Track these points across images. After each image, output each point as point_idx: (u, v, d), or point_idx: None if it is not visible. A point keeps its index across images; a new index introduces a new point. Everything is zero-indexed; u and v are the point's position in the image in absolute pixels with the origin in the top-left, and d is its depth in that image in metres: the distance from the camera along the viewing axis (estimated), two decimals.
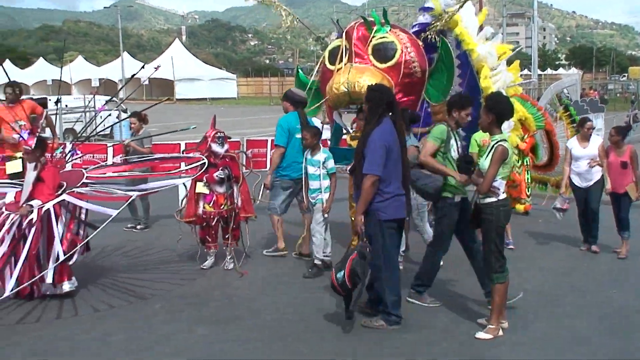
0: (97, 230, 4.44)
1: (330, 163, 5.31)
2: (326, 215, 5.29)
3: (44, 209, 4.55)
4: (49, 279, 4.54)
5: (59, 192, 4.71)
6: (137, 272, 5.48)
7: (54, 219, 4.49)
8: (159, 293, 4.94)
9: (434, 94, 5.58)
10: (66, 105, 13.86)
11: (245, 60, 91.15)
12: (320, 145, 5.35)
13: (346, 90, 5.39)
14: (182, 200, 5.80)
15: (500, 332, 4.02)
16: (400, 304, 4.19)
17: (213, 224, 5.40)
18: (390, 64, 5.42)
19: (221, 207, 5.39)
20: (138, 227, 7.06)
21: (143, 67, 5.72)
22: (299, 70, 6.66)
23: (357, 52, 5.48)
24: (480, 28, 6.03)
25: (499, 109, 4.01)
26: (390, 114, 4.09)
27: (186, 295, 4.89)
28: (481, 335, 4.00)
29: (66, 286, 4.80)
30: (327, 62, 5.83)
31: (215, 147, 5.37)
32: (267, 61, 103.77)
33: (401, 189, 4.11)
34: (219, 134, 5.42)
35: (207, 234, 5.47)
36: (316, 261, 5.31)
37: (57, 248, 4.42)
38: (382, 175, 3.99)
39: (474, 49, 5.55)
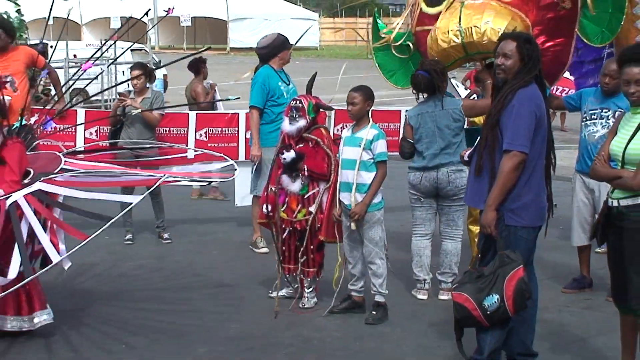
0: (105, 225, 4.23)
1: (381, 146, 5.41)
2: (352, 226, 5.43)
3: (8, 201, 4.41)
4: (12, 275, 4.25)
5: (27, 181, 4.64)
6: (165, 299, 5.98)
7: (29, 215, 4.36)
8: (202, 330, 5.33)
9: (593, 31, 5.60)
10: (74, 56, 14.15)
11: None
12: (370, 118, 5.53)
13: (459, 42, 5.64)
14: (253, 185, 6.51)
15: None
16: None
17: (284, 236, 5.71)
18: None
19: (294, 215, 5.71)
20: (165, 236, 7.60)
21: None
22: (377, 17, 7.04)
23: None
24: None
25: None
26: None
27: (243, 336, 5.26)
28: None
29: (39, 318, 4.94)
30: (423, 4, 6.12)
31: (284, 124, 5.66)
32: None
33: (543, 184, 4.34)
34: (295, 102, 5.66)
35: (286, 248, 5.75)
36: (353, 294, 5.72)
37: (47, 247, 4.37)
38: (530, 154, 4.18)
39: None
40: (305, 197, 5.66)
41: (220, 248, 7.50)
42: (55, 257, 4.32)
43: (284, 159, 5.60)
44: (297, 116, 5.61)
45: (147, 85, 7.52)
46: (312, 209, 5.62)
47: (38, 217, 4.54)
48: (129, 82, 7.56)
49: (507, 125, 4.23)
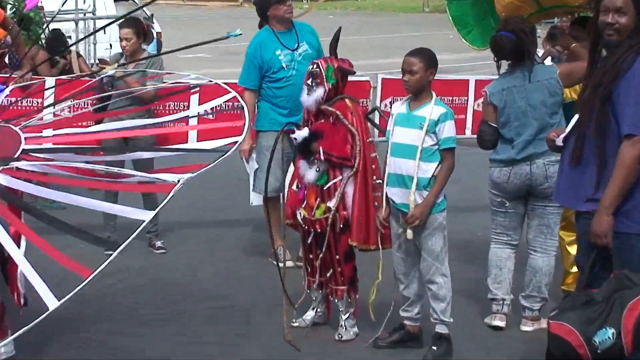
0: (113, 254, 3.85)
1: (449, 128, 5.41)
2: (409, 234, 5.43)
3: None
4: None
5: None
6: (157, 324, 6.07)
7: None
8: None
9: None
10: (41, 8, 14.85)
11: None
12: (433, 92, 5.52)
13: None
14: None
15: None
16: None
17: (309, 240, 5.79)
18: None
19: (313, 214, 5.74)
20: (158, 244, 7.70)
21: None
22: None
23: None
24: None
25: None
26: None
27: None
28: None
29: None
30: None
31: (302, 95, 5.78)
32: None
33: None
34: (312, 66, 5.79)
35: (313, 257, 5.82)
36: (406, 322, 5.70)
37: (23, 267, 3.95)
38: None
39: None
40: (325, 188, 5.68)
41: (229, 258, 7.57)
42: (49, 301, 3.66)
43: (295, 139, 5.67)
44: (314, 84, 5.67)
45: (143, 46, 7.62)
46: (332, 204, 5.63)
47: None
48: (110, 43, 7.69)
49: (625, 101, 4.19)
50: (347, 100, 5.74)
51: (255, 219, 8.26)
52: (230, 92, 5.22)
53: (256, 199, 7.83)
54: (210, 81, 5.64)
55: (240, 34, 5.24)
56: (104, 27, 9.10)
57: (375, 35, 23.81)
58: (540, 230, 5.89)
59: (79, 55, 10.07)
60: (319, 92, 5.66)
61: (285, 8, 7.01)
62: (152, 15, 17.52)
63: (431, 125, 5.38)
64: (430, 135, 5.39)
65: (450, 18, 7.07)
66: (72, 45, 10.62)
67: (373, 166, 5.66)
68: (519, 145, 5.77)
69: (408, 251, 5.58)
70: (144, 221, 4.05)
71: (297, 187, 5.83)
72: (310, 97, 5.67)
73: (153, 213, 4.13)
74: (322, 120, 5.68)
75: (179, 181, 4.26)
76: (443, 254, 5.50)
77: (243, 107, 5.05)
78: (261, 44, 7.02)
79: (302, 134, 5.63)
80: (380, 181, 5.60)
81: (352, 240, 5.63)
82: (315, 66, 5.73)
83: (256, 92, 7.06)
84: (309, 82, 5.69)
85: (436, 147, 5.41)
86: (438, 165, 5.41)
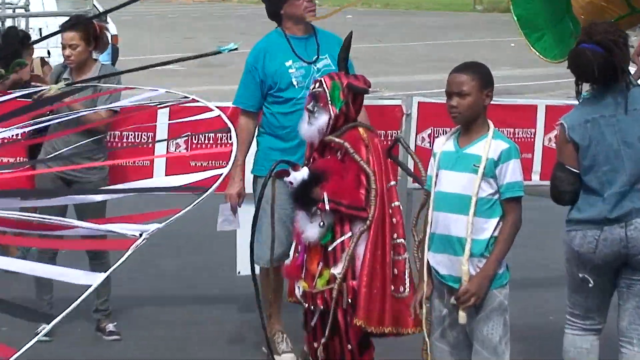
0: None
1: (514, 170, 5.43)
2: (461, 318, 5.43)
3: None
4: None
5: None
6: None
7: None
8: None
9: None
10: None
11: None
12: (489, 122, 5.52)
13: None
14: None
15: None
16: None
17: (312, 323, 5.90)
18: None
19: (314, 285, 5.83)
20: (109, 328, 7.65)
21: None
22: None
23: None
24: None
25: None
26: None
27: None
28: None
29: None
30: None
31: (300, 124, 5.94)
32: None
33: None
34: (314, 86, 5.92)
35: (311, 348, 5.97)
36: None
37: None
38: None
39: None
40: (329, 249, 5.73)
41: (208, 349, 7.53)
42: None
43: (290, 183, 5.71)
44: (316, 109, 5.75)
45: (95, 55, 7.70)
46: (338, 270, 5.67)
47: None
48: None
49: None
50: (360, 130, 5.81)
51: (244, 295, 8.21)
52: (213, 109, 5.25)
53: (244, 268, 7.82)
54: (186, 97, 5.62)
55: (236, 49, 5.30)
56: (53, 34, 9.10)
57: (409, 43, 23.89)
58: (638, 316, 5.87)
59: (44, 62, 10.01)
60: (323, 120, 5.74)
61: (305, 4, 6.88)
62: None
63: (489, 167, 5.39)
64: (488, 180, 5.40)
65: (515, 19, 7.09)
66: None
67: (394, 220, 5.73)
68: (610, 200, 5.76)
69: (456, 341, 5.56)
70: (89, 286, 4.00)
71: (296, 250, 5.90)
72: (312, 127, 5.75)
73: (104, 275, 4.05)
74: (328, 157, 5.74)
75: (141, 235, 4.30)
76: (503, 345, 5.50)
77: (230, 130, 5.08)
78: (266, 50, 6.93)
79: (299, 176, 5.67)
80: (402, 240, 5.62)
81: (357, 317, 5.65)
82: (317, 85, 5.80)
83: (255, 117, 6.95)
84: (310, 106, 5.75)
85: (496, 196, 5.43)
86: (499, 221, 5.42)
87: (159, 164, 7.87)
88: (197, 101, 5.43)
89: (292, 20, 6.93)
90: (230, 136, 5.07)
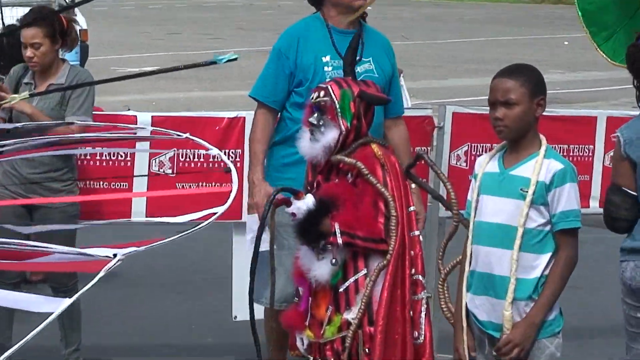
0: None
1: (570, 196, 5.44)
2: None
3: None
4: None
5: None
6: None
7: None
8: None
9: None
10: None
11: None
12: (542, 137, 5.56)
13: None
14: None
15: None
16: None
17: None
18: None
19: (322, 334, 5.89)
20: None
21: None
22: None
23: None
24: None
25: None
26: None
27: None
28: None
29: None
30: None
31: (300, 142, 5.95)
32: None
33: None
34: (317, 94, 5.87)
35: None
36: None
37: None
38: None
39: None
40: (340, 290, 5.76)
41: None
42: None
43: (293, 214, 5.74)
44: (322, 123, 5.76)
45: (61, 54, 7.79)
46: (352, 315, 5.70)
47: None
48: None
49: None
50: (373, 146, 5.85)
51: (241, 344, 8.26)
52: (210, 149, 5.30)
53: (240, 313, 7.84)
54: (179, 136, 5.60)
55: (236, 59, 5.35)
56: (11, 32, 9.16)
57: (441, 40, 23.91)
58: None
59: None
60: (331, 136, 5.75)
61: None
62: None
63: (539, 192, 5.41)
64: (537, 208, 5.42)
65: (580, 14, 7.12)
66: None
67: (412, 252, 5.76)
68: None
69: None
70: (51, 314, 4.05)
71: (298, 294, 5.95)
72: (317, 144, 5.75)
73: (69, 301, 4.12)
74: (335, 180, 5.78)
75: (115, 255, 4.41)
76: None
77: (230, 170, 5.13)
78: (302, 37, 6.87)
79: (303, 205, 5.70)
80: (420, 277, 5.67)
81: None
82: (322, 93, 5.81)
83: (274, 117, 6.88)
84: (314, 119, 5.77)
85: (548, 227, 5.45)
86: (551, 258, 5.44)
87: (139, 184, 7.89)
88: (192, 140, 5.46)
89: (337, 8, 6.86)
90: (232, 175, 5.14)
